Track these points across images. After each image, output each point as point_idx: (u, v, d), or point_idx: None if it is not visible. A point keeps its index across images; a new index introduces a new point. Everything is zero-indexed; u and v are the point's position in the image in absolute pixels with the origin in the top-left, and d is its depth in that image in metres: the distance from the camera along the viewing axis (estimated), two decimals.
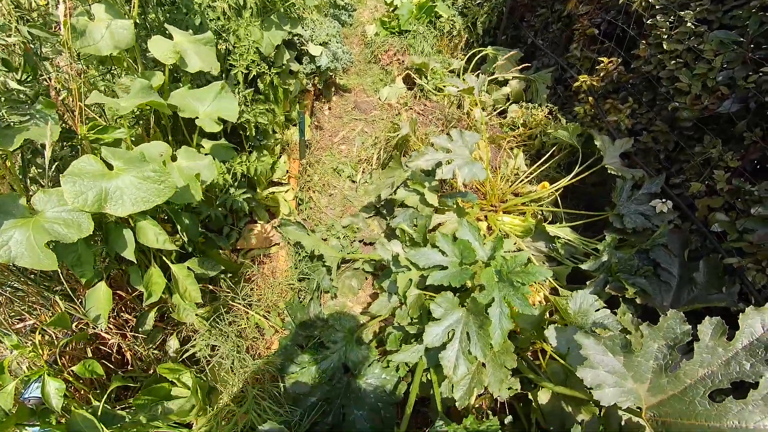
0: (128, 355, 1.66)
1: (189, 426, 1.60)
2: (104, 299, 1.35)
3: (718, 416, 1.08)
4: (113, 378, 1.24)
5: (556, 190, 2.70)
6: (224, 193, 1.85)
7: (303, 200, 2.76)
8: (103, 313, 1.35)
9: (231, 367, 1.72)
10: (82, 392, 1.40)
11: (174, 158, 1.36)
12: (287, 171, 2.71)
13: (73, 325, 1.40)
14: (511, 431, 1.76)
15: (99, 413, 1.16)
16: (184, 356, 1.75)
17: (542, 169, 2.88)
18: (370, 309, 1.93)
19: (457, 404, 1.48)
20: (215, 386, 1.66)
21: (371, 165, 3.11)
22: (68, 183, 1.05)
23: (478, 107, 3.41)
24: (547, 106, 3.39)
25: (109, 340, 1.57)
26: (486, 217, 2.76)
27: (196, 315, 1.70)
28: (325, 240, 2.60)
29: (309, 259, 2.40)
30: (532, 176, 2.89)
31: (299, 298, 2.21)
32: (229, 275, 2.10)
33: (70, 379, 1.29)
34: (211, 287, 1.92)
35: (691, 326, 1.23)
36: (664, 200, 2.25)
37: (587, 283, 2.13)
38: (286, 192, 2.65)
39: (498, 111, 3.62)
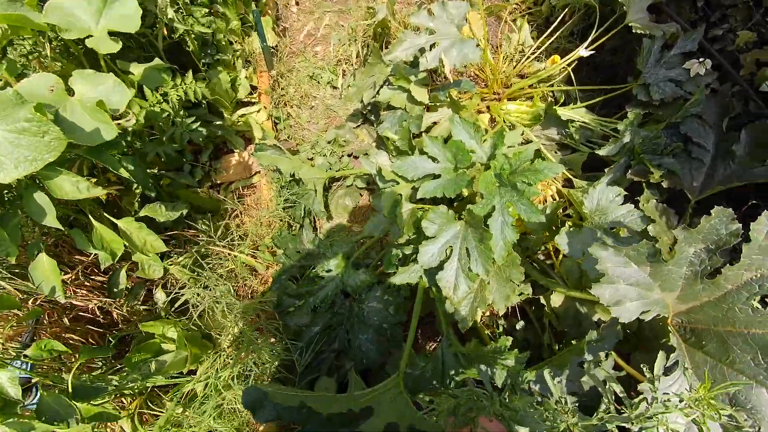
0: (116, 314, 1.57)
1: (194, 372, 1.57)
2: (50, 270, 1.19)
3: (764, 323, 0.89)
4: (81, 350, 1.14)
5: (569, 64, 2.27)
6: (171, 125, 1.57)
7: (280, 118, 2.44)
8: (56, 285, 1.21)
9: (224, 312, 1.62)
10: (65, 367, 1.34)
11: (72, 92, 1.07)
12: (254, 87, 2.35)
13: (32, 302, 1.28)
14: (523, 336, 1.67)
15: (70, 389, 1.08)
16: (174, 307, 1.66)
17: (552, 40, 2.40)
18: (363, 230, 1.74)
19: (459, 326, 1.35)
20: (210, 333, 1.59)
21: (352, 65, 2.68)
22: None
23: None
24: None
25: (88, 305, 1.46)
26: (488, 107, 2.39)
27: (174, 264, 1.56)
28: (311, 159, 2.34)
29: (294, 184, 2.17)
30: (539, 51, 2.42)
31: (289, 227, 2.03)
32: (209, 214, 1.92)
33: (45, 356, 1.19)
34: (189, 231, 1.76)
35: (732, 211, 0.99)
36: (701, 59, 1.83)
37: (606, 170, 1.85)
38: (258, 112, 2.33)
39: None
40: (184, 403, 1.48)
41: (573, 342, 1.55)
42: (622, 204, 1.41)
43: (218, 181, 2.15)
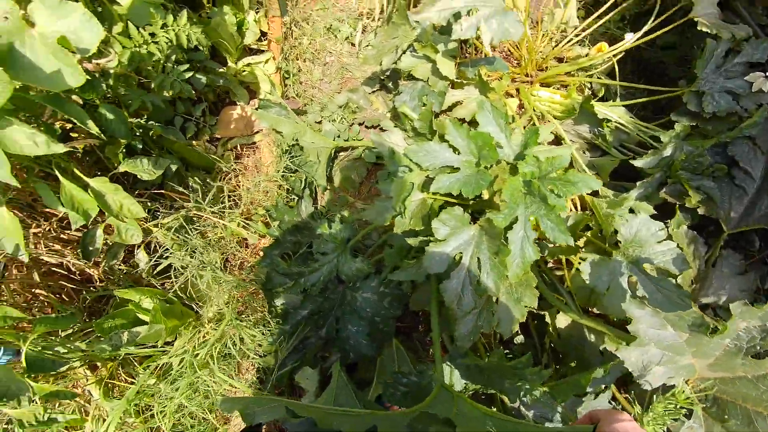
0: (93, 273, 1.43)
1: (172, 344, 1.46)
2: (11, 225, 1.03)
3: None
4: (38, 321, 1.01)
5: (615, 55, 2.01)
6: (162, 72, 1.35)
7: (290, 72, 2.18)
8: (18, 242, 1.05)
9: (209, 283, 1.49)
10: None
11: (33, 25, 0.85)
12: (264, 34, 2.07)
13: None
14: (520, 351, 1.56)
15: (23, 363, 0.95)
16: (156, 271, 1.52)
17: (600, 23, 2.11)
18: (365, 214, 1.58)
19: (456, 344, 1.22)
20: (191, 304, 1.46)
21: (374, 20, 2.38)
22: None
23: None
24: None
25: (59, 261, 1.31)
26: (518, 90, 2.15)
27: (159, 226, 1.40)
28: (318, 123, 2.12)
29: (299, 149, 1.97)
30: (584, 34, 2.14)
31: (287, 197, 1.86)
32: (202, 173, 1.74)
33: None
34: (179, 190, 1.58)
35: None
36: (767, 73, 1.59)
37: (637, 183, 1.67)
38: (266, 62, 2.07)
39: None
40: (158, 375, 1.38)
41: (572, 365, 1.45)
42: (663, 241, 1.24)
43: (217, 135, 1.94)
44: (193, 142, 1.81)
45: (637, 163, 1.67)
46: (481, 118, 1.33)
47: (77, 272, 1.41)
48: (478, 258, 1.22)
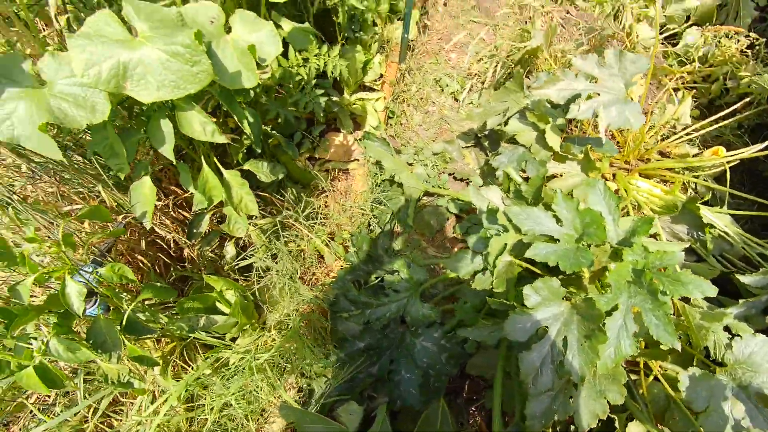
0: (186, 252, 1.52)
1: (233, 340, 1.48)
2: (149, 195, 1.13)
3: None
4: (145, 287, 1.07)
5: (728, 162, 1.91)
6: (300, 91, 1.48)
7: (394, 113, 2.30)
8: (148, 210, 1.14)
9: (282, 289, 1.52)
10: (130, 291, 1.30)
11: (229, 30, 0.98)
12: (381, 75, 2.22)
13: (122, 218, 1.24)
14: None
15: (124, 322, 1.00)
16: (239, 265, 1.58)
17: (716, 126, 2.04)
18: (445, 262, 1.56)
19: (527, 422, 1.13)
20: (261, 306, 1.49)
21: (482, 82, 2.48)
22: (77, 48, 0.74)
23: (644, 22, 2.46)
24: (747, 37, 2.34)
25: (166, 235, 1.41)
26: (614, 176, 2.10)
27: (255, 226, 1.47)
28: (410, 165, 2.18)
29: (388, 184, 2.03)
30: (696, 134, 2.08)
31: (369, 227, 1.90)
32: (299, 186, 1.83)
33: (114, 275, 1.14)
34: (276, 197, 1.67)
35: None
36: None
37: (740, 301, 1.52)
38: (377, 100, 2.20)
39: (667, 34, 2.61)
40: (216, 368, 1.40)
41: None
42: None
43: (317, 156, 2.05)
44: (295, 158, 1.93)
45: (745, 279, 1.53)
46: (592, 197, 1.29)
47: (173, 250, 1.50)
48: (566, 336, 1.15)
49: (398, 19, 2.44)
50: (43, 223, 1.11)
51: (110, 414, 1.44)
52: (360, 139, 2.04)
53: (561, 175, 1.87)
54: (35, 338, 0.90)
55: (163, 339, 1.45)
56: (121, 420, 1.44)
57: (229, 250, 1.56)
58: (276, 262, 1.51)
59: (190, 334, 1.27)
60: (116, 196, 1.19)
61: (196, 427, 1.38)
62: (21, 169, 1.15)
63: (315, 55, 1.36)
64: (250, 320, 1.42)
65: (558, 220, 1.32)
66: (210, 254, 1.53)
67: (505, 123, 1.94)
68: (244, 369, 1.35)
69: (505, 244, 1.39)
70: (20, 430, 1.41)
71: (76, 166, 1.14)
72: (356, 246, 1.72)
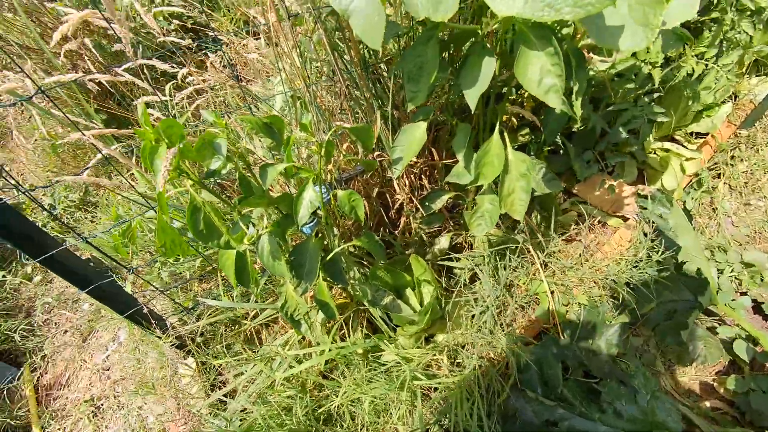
0: (402, 221, 1.33)
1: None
2: (416, 142, 0.94)
3: None
4: (363, 235, 0.89)
5: None
6: (633, 102, 1.06)
7: (701, 184, 1.64)
8: (405, 157, 0.95)
9: (476, 316, 1.17)
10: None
11: None
12: (699, 134, 1.59)
13: (376, 154, 1.09)
14: None
15: (328, 257, 0.83)
16: (443, 260, 1.31)
17: None
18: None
19: None
20: (446, 320, 1.17)
21: None
22: None
23: None
24: None
25: (398, 194, 1.23)
26: None
27: (490, 234, 1.16)
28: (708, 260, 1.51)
29: (657, 264, 1.43)
30: None
31: (608, 304, 1.36)
32: (545, 214, 1.44)
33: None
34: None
35: None
36: None
37: None
38: (688, 160, 1.59)
39: None
40: (366, 353, 1.16)
41: None
42: None
43: (574, 190, 1.61)
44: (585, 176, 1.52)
45: None
46: None
47: (392, 212, 1.33)
48: None
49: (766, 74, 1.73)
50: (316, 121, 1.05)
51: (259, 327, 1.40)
52: (644, 196, 1.50)
53: None
54: (254, 225, 0.80)
55: (339, 292, 1.31)
56: (264, 339, 1.38)
57: (443, 242, 1.30)
58: (495, 285, 1.17)
59: (368, 305, 1.06)
60: (383, 128, 1.05)
61: (321, 396, 1.19)
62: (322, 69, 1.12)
63: (696, 56, 0.93)
64: (431, 330, 1.13)
65: None
66: (425, 230, 1.30)
67: None
68: (393, 376, 1.07)
69: None
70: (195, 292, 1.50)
71: (369, 84, 1.04)
72: (589, 318, 1.23)
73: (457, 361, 1.18)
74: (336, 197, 0.84)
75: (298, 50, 0.89)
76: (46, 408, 1.69)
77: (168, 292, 1.25)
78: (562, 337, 1.25)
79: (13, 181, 0.87)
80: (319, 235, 0.99)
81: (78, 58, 1.80)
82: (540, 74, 0.68)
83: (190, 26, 2.00)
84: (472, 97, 0.76)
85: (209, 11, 1.89)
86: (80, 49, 1.77)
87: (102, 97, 1.87)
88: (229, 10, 1.98)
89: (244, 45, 1.59)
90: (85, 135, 0.87)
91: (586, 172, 1.36)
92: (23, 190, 0.80)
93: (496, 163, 0.86)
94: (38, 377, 1.79)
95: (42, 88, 0.77)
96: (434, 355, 1.13)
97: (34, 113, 1.48)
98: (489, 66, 0.74)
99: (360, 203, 0.83)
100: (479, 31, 0.76)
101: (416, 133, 0.95)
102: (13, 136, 1.69)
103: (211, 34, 1.56)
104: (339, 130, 0.79)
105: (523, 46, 0.67)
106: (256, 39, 1.60)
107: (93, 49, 1.32)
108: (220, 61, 1.44)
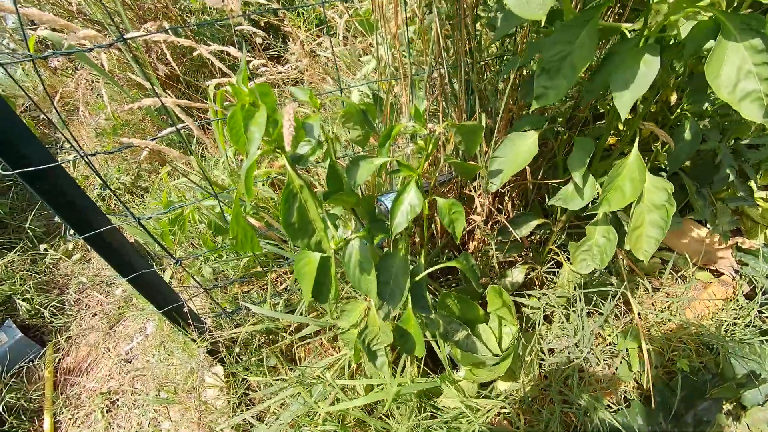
0: (472, 245, 1.16)
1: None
2: (521, 157, 0.78)
3: None
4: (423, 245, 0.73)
5: None
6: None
7: None
8: (505, 173, 0.80)
9: (552, 367, 0.97)
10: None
11: None
12: None
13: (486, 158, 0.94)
14: None
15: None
16: (515, 296, 1.12)
17: None
18: None
19: None
20: (521, 364, 0.98)
21: None
22: None
23: None
24: None
25: (469, 212, 1.07)
26: None
27: (577, 272, 0.97)
28: None
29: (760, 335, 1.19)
30: None
31: (708, 374, 1.13)
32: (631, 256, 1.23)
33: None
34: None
35: None
36: None
37: None
38: None
39: None
40: (421, 394, 0.98)
41: None
42: None
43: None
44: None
45: None
46: None
47: (467, 229, 1.16)
48: None
49: None
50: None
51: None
52: (746, 251, 1.28)
53: None
54: (341, 227, 0.66)
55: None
56: (302, 357, 1.22)
57: (516, 274, 1.11)
58: (552, 323, 0.97)
59: (438, 337, 0.88)
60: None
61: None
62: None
63: None
64: (503, 377, 0.94)
65: None
66: (495, 264, 1.13)
67: None
68: (454, 427, 0.87)
69: None
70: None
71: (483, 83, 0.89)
72: (678, 389, 1.01)
73: (526, 417, 0.98)
74: (433, 206, 0.69)
75: (406, 27, 0.77)
76: (61, 394, 1.57)
77: (210, 290, 1.12)
78: (652, 405, 1.03)
79: (76, 146, 0.77)
80: (399, 248, 0.83)
81: (154, 44, 1.78)
82: (737, 76, 0.51)
83: (263, 24, 1.96)
84: (624, 102, 0.61)
85: (284, 10, 1.85)
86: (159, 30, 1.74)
87: (168, 83, 1.83)
88: (304, 11, 1.94)
89: (318, 43, 1.51)
90: (159, 99, 0.77)
91: (704, 208, 1.16)
92: (83, 154, 0.69)
93: (629, 189, 0.69)
94: (59, 359, 1.68)
95: (124, 36, 0.67)
96: (503, 407, 0.93)
97: (103, 91, 1.43)
98: (651, 66, 0.59)
99: (461, 217, 0.67)
100: (648, 19, 0.61)
101: (524, 144, 0.80)
102: (79, 111, 1.66)
103: (285, 29, 1.49)
104: (450, 125, 0.65)
105: (721, 36, 0.52)
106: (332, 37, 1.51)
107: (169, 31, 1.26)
108: (296, 59, 1.35)
